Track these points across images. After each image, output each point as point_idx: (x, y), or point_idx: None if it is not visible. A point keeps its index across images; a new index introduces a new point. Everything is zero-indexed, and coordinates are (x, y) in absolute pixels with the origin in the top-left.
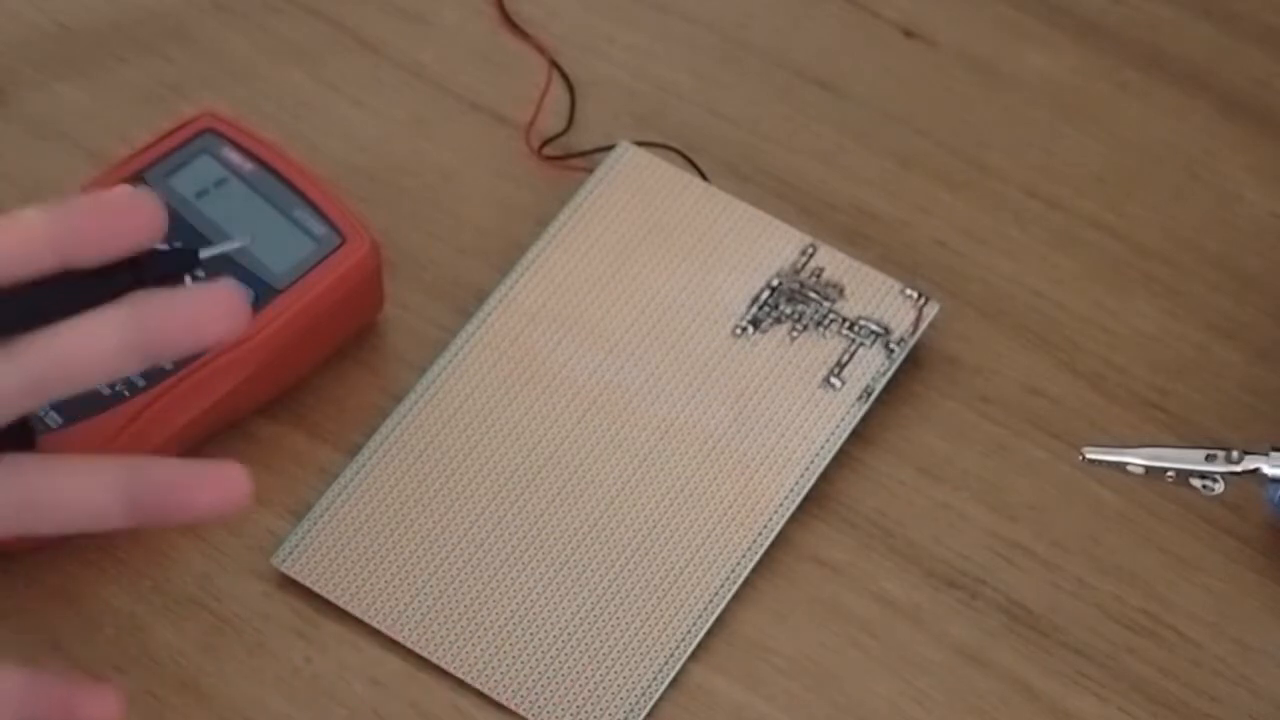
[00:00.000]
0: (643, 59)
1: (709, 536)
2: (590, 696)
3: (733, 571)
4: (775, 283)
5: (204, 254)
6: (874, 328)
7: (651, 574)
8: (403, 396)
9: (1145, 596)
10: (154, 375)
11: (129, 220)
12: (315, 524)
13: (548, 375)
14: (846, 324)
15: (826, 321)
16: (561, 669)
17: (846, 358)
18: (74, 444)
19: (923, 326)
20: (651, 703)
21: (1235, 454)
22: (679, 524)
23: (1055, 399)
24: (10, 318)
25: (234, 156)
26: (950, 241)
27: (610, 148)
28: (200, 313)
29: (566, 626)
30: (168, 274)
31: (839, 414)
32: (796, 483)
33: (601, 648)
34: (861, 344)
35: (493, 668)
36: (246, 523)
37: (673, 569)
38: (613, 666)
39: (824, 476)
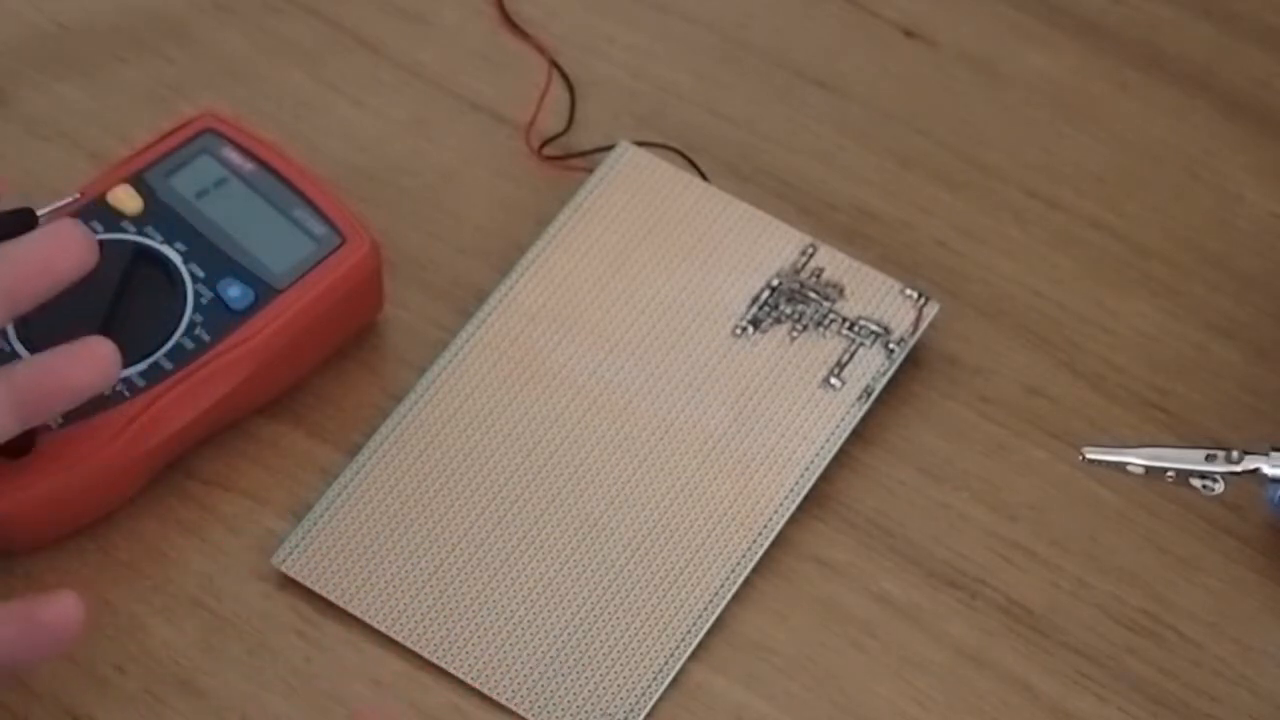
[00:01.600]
0: (643, 59)
1: (709, 536)
2: (590, 696)
3: (733, 571)
4: (775, 283)
5: (41, 212)
6: (874, 328)
7: (651, 574)
8: (403, 396)
9: (1145, 596)
10: (154, 375)
11: None
12: (315, 524)
13: (548, 375)
14: (846, 324)
15: (826, 321)
16: (561, 669)
17: (846, 358)
18: (74, 444)
19: (923, 326)
20: (651, 703)
21: (1235, 454)
22: (679, 524)
23: (1055, 399)
24: None
25: (234, 156)
26: (950, 241)
27: (610, 148)
28: (50, 250)
29: (566, 626)
30: (11, 233)
31: (839, 414)
32: (796, 483)
33: (601, 648)
34: (861, 344)
35: (493, 668)
36: (247, 523)
37: (673, 569)
38: (613, 666)
39: (824, 476)
